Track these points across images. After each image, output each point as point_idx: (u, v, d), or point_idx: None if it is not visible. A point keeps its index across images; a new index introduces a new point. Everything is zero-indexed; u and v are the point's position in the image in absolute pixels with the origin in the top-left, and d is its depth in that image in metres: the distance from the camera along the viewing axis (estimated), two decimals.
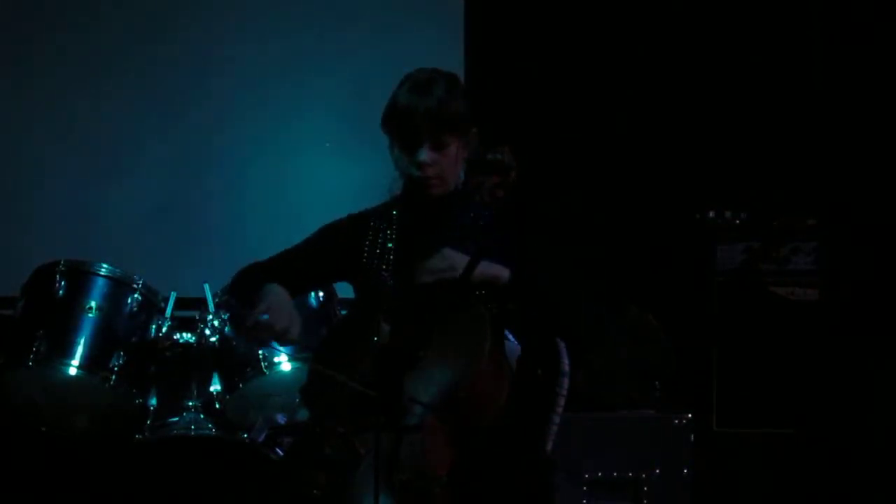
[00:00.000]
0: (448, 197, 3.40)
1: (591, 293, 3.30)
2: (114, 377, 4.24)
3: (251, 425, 4.31)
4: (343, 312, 4.39)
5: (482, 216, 3.39)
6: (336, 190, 5.28)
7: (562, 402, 3.41)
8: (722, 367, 5.05)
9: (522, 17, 5.52)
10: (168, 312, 4.42)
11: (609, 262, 5.26)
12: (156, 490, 4.17)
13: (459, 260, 3.14)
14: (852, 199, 5.24)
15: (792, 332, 5.02)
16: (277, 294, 3.34)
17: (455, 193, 3.41)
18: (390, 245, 3.43)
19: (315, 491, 3.08)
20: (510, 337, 3.39)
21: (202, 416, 4.33)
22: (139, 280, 4.38)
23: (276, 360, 4.26)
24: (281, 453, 4.20)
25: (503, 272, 3.21)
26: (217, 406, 4.36)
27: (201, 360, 4.38)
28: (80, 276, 4.35)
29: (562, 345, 3.44)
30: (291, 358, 4.24)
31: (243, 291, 3.52)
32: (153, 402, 4.38)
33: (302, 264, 3.49)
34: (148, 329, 4.38)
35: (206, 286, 4.40)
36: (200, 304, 4.43)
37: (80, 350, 4.24)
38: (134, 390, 4.30)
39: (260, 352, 4.26)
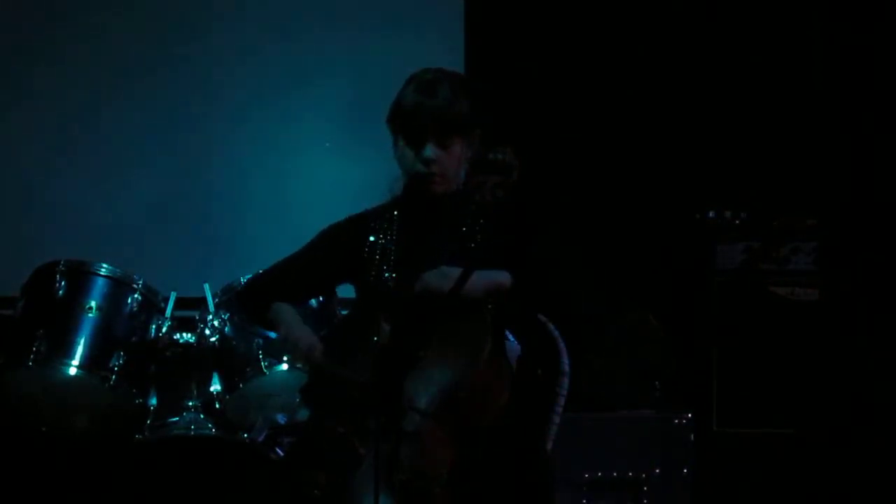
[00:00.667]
0: (449, 196, 3.40)
1: (592, 293, 3.31)
2: (114, 377, 4.24)
3: (251, 425, 4.31)
4: (343, 312, 4.39)
5: (482, 216, 3.39)
6: (336, 190, 5.28)
7: (562, 402, 3.41)
8: (722, 367, 5.04)
9: (522, 18, 5.52)
10: (168, 312, 4.42)
11: (609, 262, 5.26)
12: (156, 490, 4.17)
13: (455, 276, 3.14)
14: (852, 199, 5.23)
15: (792, 332, 5.01)
16: (289, 313, 3.44)
17: (456, 193, 3.42)
18: (391, 245, 3.43)
19: (315, 491, 3.08)
20: (510, 337, 3.40)
21: (202, 416, 4.33)
22: (139, 280, 4.38)
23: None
24: (281, 453, 4.20)
25: (504, 278, 3.20)
26: (217, 406, 4.36)
27: (201, 360, 4.38)
28: (80, 276, 4.35)
29: (562, 345, 3.44)
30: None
31: (253, 309, 3.58)
32: (153, 401, 4.38)
33: (306, 272, 3.50)
34: (148, 329, 4.38)
35: (206, 286, 4.40)
36: (200, 304, 4.43)
37: (80, 350, 4.25)
38: (134, 390, 4.30)
39: (260, 351, 4.26)
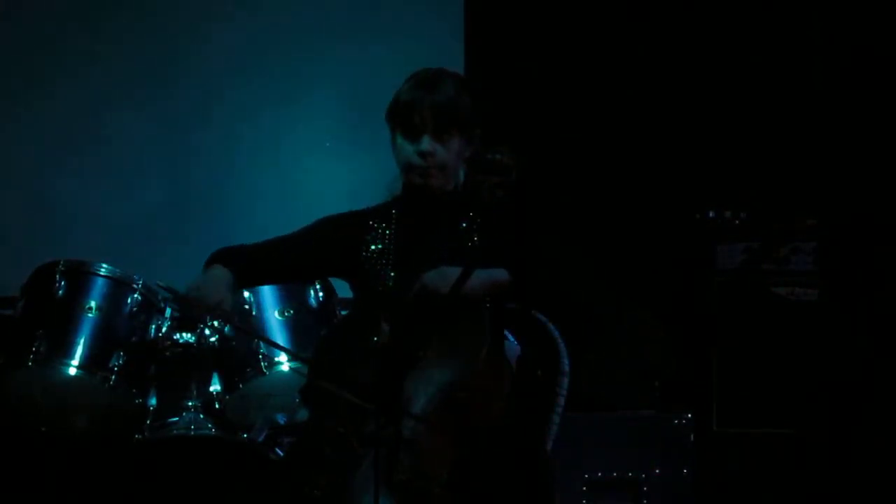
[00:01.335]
0: (448, 196, 3.40)
1: (591, 287, 3.30)
2: (113, 377, 4.24)
3: (251, 425, 4.31)
4: (343, 312, 4.39)
5: (481, 216, 3.39)
6: (337, 190, 5.28)
7: (562, 402, 3.41)
8: (722, 367, 5.04)
9: (523, 17, 5.52)
10: (168, 312, 4.42)
11: (609, 262, 5.26)
12: (156, 490, 4.17)
13: (455, 277, 3.13)
14: (852, 199, 5.24)
15: (792, 332, 5.01)
16: (215, 274, 3.34)
17: (455, 193, 3.42)
18: (390, 245, 3.43)
19: (315, 491, 3.08)
20: (510, 337, 3.39)
21: (202, 416, 4.33)
22: (139, 280, 4.38)
23: (276, 359, 4.26)
24: (281, 453, 4.20)
25: (501, 276, 3.20)
26: (217, 406, 4.36)
27: (201, 360, 4.38)
28: (79, 276, 4.35)
29: (562, 345, 3.44)
30: (291, 358, 4.24)
31: (214, 260, 3.50)
32: (153, 402, 4.38)
33: (295, 251, 3.47)
34: (148, 329, 4.38)
35: None
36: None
37: (79, 350, 4.24)
38: (134, 390, 4.30)
39: (260, 352, 4.26)
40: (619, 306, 4.92)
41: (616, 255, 5.30)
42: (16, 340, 4.29)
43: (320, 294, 4.38)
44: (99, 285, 4.35)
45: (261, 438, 4.24)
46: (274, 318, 4.33)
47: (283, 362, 4.27)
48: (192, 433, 4.24)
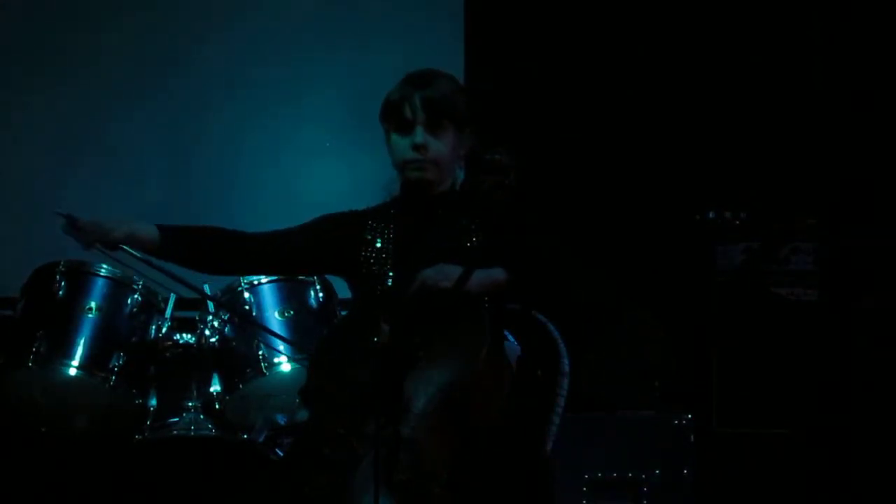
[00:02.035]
0: (446, 196, 3.40)
1: (590, 283, 3.30)
2: (114, 378, 4.24)
3: (251, 426, 4.31)
4: (343, 313, 4.39)
5: (480, 216, 3.39)
6: (337, 191, 5.27)
7: (562, 402, 3.41)
8: (722, 367, 5.04)
9: (522, 18, 5.52)
10: (168, 313, 4.42)
11: (609, 263, 5.25)
12: (156, 491, 4.17)
13: (455, 274, 3.13)
14: (852, 199, 5.23)
15: (792, 332, 5.01)
16: (142, 224, 3.35)
17: (453, 193, 3.42)
18: (389, 245, 3.43)
19: (315, 491, 3.08)
20: (510, 337, 3.39)
21: (202, 417, 4.33)
22: (139, 281, 4.37)
23: (275, 360, 4.26)
24: (281, 454, 4.20)
25: (499, 275, 3.20)
26: (217, 407, 4.35)
27: (201, 360, 4.38)
28: (80, 277, 4.35)
29: (562, 345, 3.44)
30: (291, 359, 4.24)
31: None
32: (153, 402, 4.38)
33: (292, 245, 3.47)
34: (148, 330, 4.38)
35: (206, 287, 4.39)
36: (200, 304, 4.43)
37: (79, 350, 4.24)
38: (134, 391, 4.30)
39: (260, 352, 4.26)
40: (620, 305, 4.92)
41: (616, 256, 5.30)
42: (16, 341, 4.28)
43: (320, 295, 4.38)
44: (99, 286, 4.35)
45: (261, 439, 4.24)
46: (274, 319, 4.32)
47: (283, 363, 4.27)
48: (193, 434, 4.24)
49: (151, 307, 4.40)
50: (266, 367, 4.25)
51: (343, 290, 3.85)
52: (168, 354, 4.36)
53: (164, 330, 4.37)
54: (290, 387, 4.10)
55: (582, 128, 5.47)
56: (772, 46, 5.42)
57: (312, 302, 4.36)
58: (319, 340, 3.56)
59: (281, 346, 4.24)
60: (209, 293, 4.30)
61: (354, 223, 3.48)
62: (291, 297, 4.36)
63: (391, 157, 3.42)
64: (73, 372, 4.23)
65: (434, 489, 3.01)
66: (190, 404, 4.37)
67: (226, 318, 4.35)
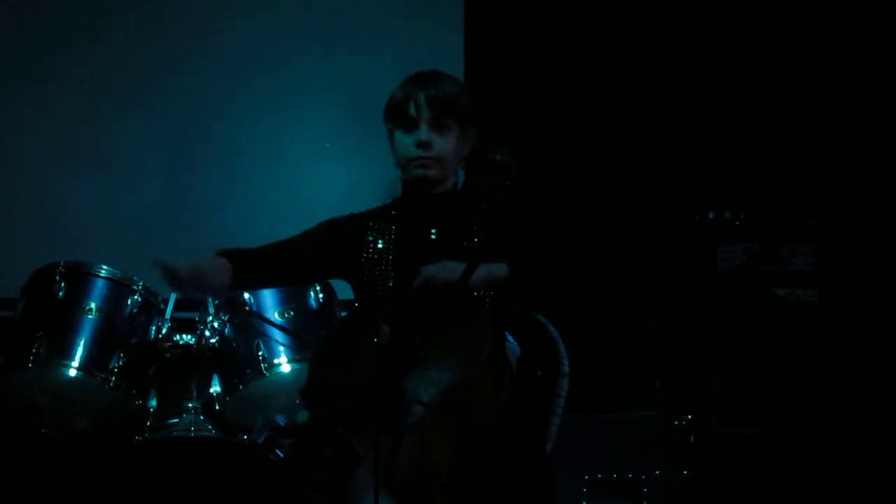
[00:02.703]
0: (447, 197, 3.41)
1: (591, 284, 3.30)
2: (113, 378, 4.24)
3: (251, 427, 4.31)
4: (343, 313, 4.39)
5: (481, 217, 3.39)
6: (337, 192, 5.28)
7: (562, 403, 3.41)
8: (722, 368, 5.05)
9: (522, 17, 5.52)
10: (168, 314, 4.41)
11: (609, 264, 5.25)
12: (156, 491, 4.16)
13: (457, 270, 3.13)
14: (852, 199, 5.24)
15: (792, 332, 5.01)
16: (217, 261, 3.39)
17: (454, 193, 3.42)
18: (390, 245, 3.43)
19: (315, 492, 3.08)
20: (510, 337, 3.40)
21: (202, 418, 4.33)
22: (139, 281, 4.38)
23: (276, 361, 4.26)
24: (281, 455, 4.20)
25: (500, 270, 3.21)
26: (217, 407, 4.35)
27: (201, 361, 4.38)
28: (79, 278, 4.35)
29: (562, 346, 3.44)
30: (291, 360, 4.24)
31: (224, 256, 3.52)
32: (153, 403, 4.38)
33: (297, 255, 3.49)
34: (148, 330, 4.38)
35: None
36: (200, 305, 4.43)
37: (79, 351, 4.24)
38: (134, 392, 4.30)
39: (260, 353, 4.26)
40: (618, 306, 4.92)
41: (616, 256, 5.30)
42: (16, 342, 4.28)
43: (321, 295, 4.38)
44: (99, 287, 4.34)
45: (261, 440, 4.24)
46: (274, 319, 4.32)
47: (283, 363, 4.27)
48: (192, 434, 4.23)
49: (151, 308, 4.40)
50: (266, 368, 4.25)
51: (343, 290, 3.85)
52: (168, 355, 4.36)
53: (164, 331, 4.37)
54: (290, 388, 4.10)
55: (582, 128, 5.47)
56: (772, 47, 5.42)
57: (312, 302, 4.36)
58: (319, 341, 3.56)
59: (281, 347, 4.25)
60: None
61: (355, 226, 3.48)
62: (291, 297, 4.36)
63: (394, 155, 3.42)
64: (72, 373, 4.22)
65: (434, 489, 3.01)
66: (190, 405, 4.37)
67: (225, 319, 4.35)
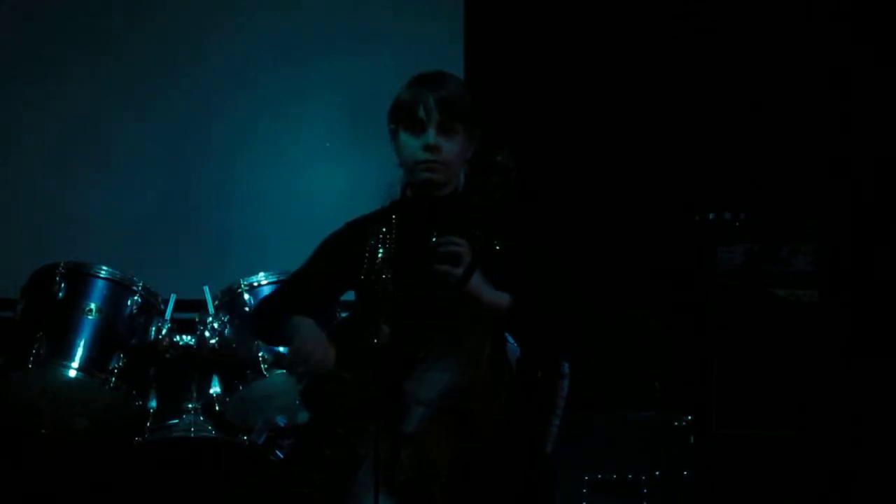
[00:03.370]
0: (448, 198, 3.40)
1: (590, 308, 3.28)
2: (113, 379, 4.24)
3: (251, 427, 4.31)
4: (343, 314, 4.39)
5: (482, 218, 3.38)
6: (336, 191, 5.28)
7: (562, 404, 3.41)
8: (722, 368, 5.04)
9: (522, 17, 5.52)
10: (168, 314, 4.41)
11: (609, 264, 5.26)
12: (155, 492, 4.16)
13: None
14: (852, 200, 5.24)
15: (792, 333, 5.01)
16: (307, 326, 3.29)
17: (455, 195, 3.41)
18: (391, 248, 3.43)
19: (315, 492, 3.08)
20: (510, 339, 3.39)
21: (202, 418, 4.33)
22: (139, 282, 4.37)
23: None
24: (281, 455, 4.20)
25: (503, 300, 3.18)
26: (217, 408, 4.35)
27: (201, 362, 4.38)
28: (79, 278, 4.34)
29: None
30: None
31: (264, 330, 3.56)
32: (153, 403, 4.38)
33: (311, 285, 3.47)
34: (148, 331, 4.37)
35: (206, 288, 4.40)
36: (200, 306, 4.43)
37: (79, 352, 4.24)
38: (134, 392, 4.30)
39: (260, 354, 4.26)
40: (620, 308, 4.93)
41: (617, 257, 5.30)
42: (16, 342, 4.28)
43: None
44: (99, 287, 4.34)
45: (261, 440, 4.24)
46: None
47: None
48: (192, 435, 4.23)
49: (151, 308, 4.40)
50: (266, 369, 4.25)
51: None
52: (168, 356, 4.36)
53: (163, 331, 4.36)
54: (290, 388, 4.09)
55: (582, 128, 5.47)
56: (772, 48, 5.42)
57: None
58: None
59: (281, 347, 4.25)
60: (209, 295, 4.32)
61: (354, 234, 3.46)
62: None
63: (399, 156, 3.40)
64: (72, 373, 4.22)
65: (434, 489, 3.01)
66: (190, 406, 4.37)
67: (225, 319, 4.35)
